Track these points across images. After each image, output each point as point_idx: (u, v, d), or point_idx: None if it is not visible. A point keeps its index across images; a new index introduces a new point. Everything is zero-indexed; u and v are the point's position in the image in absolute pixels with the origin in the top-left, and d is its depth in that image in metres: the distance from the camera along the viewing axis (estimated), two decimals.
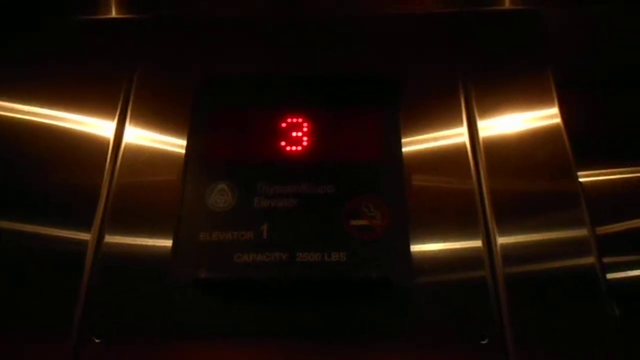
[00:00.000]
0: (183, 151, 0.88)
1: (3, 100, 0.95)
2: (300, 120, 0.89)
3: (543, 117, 0.92)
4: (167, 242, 0.81)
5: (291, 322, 0.77)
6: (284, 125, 0.89)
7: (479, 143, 0.89)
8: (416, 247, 0.81)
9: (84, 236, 0.82)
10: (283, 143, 0.87)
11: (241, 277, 0.78)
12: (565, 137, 0.89)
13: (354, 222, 0.81)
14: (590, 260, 0.80)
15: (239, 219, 0.80)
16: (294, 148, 0.87)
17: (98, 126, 0.92)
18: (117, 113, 0.93)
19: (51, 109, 0.94)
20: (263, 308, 0.78)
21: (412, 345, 0.76)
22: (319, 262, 0.77)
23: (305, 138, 0.88)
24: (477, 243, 0.82)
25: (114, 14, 1.06)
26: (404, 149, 0.87)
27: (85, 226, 0.83)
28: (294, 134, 0.88)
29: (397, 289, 0.78)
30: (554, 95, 0.93)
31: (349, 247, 0.79)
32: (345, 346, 0.76)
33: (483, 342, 0.75)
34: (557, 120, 0.91)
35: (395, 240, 0.80)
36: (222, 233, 0.80)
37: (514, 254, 0.81)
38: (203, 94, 0.92)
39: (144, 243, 0.82)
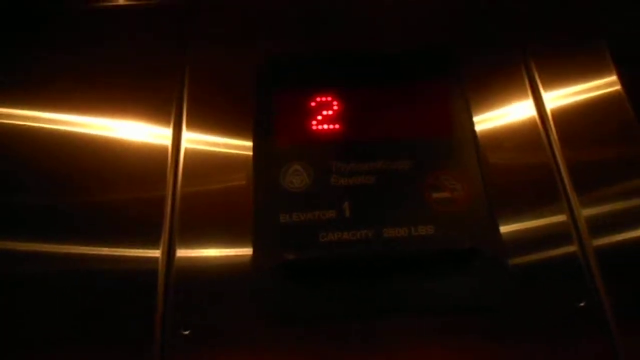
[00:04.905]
0: (247, 152, 0.83)
1: (45, 110, 0.87)
2: (368, 97, 0.87)
3: (604, 84, 0.90)
4: (243, 250, 0.77)
5: (381, 301, 0.74)
6: (352, 102, 0.87)
7: (547, 115, 0.88)
8: (502, 227, 0.78)
9: (154, 252, 0.76)
10: (352, 120, 0.85)
11: (329, 256, 0.75)
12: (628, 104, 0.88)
13: (436, 195, 0.79)
14: None
15: (318, 199, 0.78)
16: (364, 125, 0.85)
17: (154, 133, 0.85)
18: (173, 116, 0.86)
19: (100, 117, 0.86)
20: (349, 289, 0.75)
21: (507, 315, 0.74)
22: (406, 237, 0.76)
23: (375, 115, 0.86)
24: (562, 217, 0.80)
25: None
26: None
27: (154, 241, 0.77)
28: (363, 111, 0.86)
29: (486, 259, 0.76)
30: (611, 65, 0.92)
31: (434, 220, 0.77)
32: (440, 318, 0.74)
33: (581, 305, 0.74)
34: (618, 87, 0.90)
35: (479, 211, 0.79)
36: (302, 213, 0.77)
37: (600, 225, 0.79)
38: (267, 74, 0.89)
39: (217, 254, 0.77)
